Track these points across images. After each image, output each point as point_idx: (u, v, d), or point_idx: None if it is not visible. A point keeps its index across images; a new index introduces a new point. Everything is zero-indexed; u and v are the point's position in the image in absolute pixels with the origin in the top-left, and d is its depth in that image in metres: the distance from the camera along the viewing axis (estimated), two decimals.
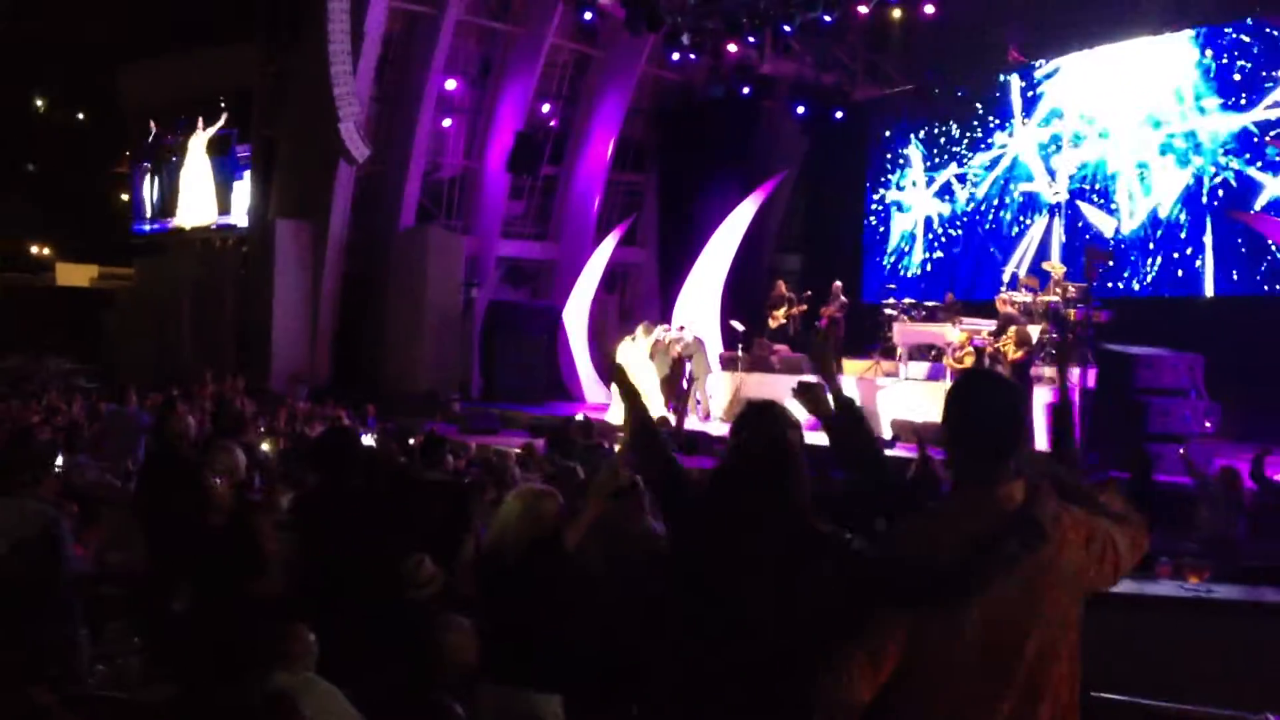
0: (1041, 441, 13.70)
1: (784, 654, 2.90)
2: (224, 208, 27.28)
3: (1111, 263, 17.94)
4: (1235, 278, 16.95)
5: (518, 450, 12.02)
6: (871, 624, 2.72)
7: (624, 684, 3.88)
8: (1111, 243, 18.48)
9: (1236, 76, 17.09)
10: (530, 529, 4.42)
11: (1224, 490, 9.23)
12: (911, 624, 2.67)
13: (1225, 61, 17.28)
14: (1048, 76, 19.89)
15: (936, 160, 21.87)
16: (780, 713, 2.94)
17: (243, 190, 26.45)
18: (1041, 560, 2.66)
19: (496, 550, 4.51)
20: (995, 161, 20.76)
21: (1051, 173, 19.69)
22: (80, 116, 35.55)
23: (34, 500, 5.41)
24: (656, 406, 17.67)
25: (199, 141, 27.82)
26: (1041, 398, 14.45)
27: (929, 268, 21.82)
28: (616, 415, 18.76)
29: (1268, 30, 16.61)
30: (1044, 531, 2.65)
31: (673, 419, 16.34)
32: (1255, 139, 16.76)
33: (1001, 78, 20.61)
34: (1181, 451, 11.23)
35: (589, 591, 4.36)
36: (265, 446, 6.31)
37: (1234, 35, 17.20)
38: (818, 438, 3.77)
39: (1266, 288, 16.57)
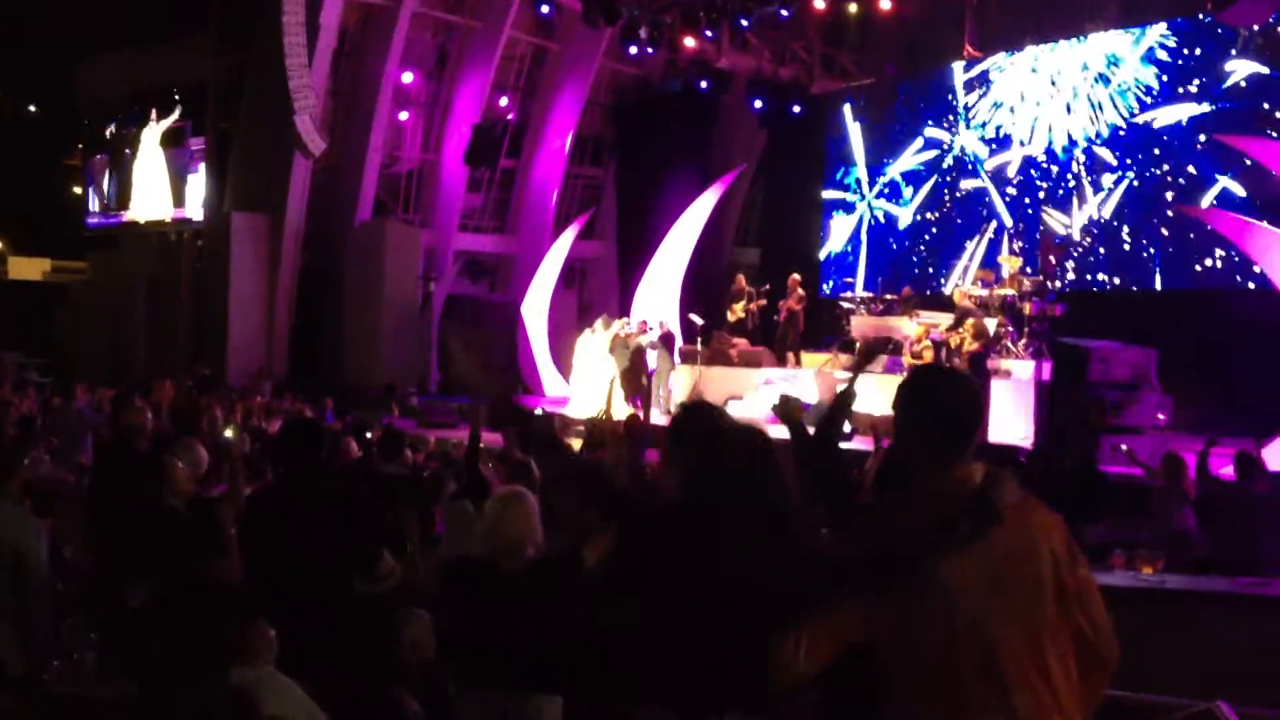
0: (994, 434, 13.83)
1: (757, 639, 2.92)
2: (179, 201, 26.98)
3: (1068, 259, 18.14)
4: (1185, 272, 17.16)
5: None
6: (826, 602, 2.75)
7: (614, 681, 3.86)
8: (1064, 237, 18.67)
9: (1185, 72, 17.31)
10: (525, 533, 4.35)
11: (1169, 480, 9.33)
12: (869, 605, 2.70)
13: (1171, 57, 17.50)
14: (999, 70, 20.04)
15: (891, 154, 21.98)
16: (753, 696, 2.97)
17: (197, 184, 26.18)
18: (1008, 547, 2.67)
19: (488, 556, 4.42)
20: (947, 156, 20.90)
21: (1002, 168, 19.85)
22: (33, 109, 35.06)
23: (7, 500, 5.39)
24: (617, 401, 17.74)
25: (153, 134, 27.48)
26: (999, 390, 14.59)
27: (886, 261, 21.94)
28: (576, 409, 18.78)
29: (1216, 28, 16.83)
30: (998, 513, 2.66)
31: (639, 413, 16.33)
32: (1201, 136, 16.97)
33: (955, 71, 20.76)
34: (1124, 447, 11.34)
35: (586, 592, 4.32)
36: (229, 433, 6.26)
37: (1181, 31, 17.42)
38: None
39: (1216, 281, 16.79)
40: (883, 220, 22.02)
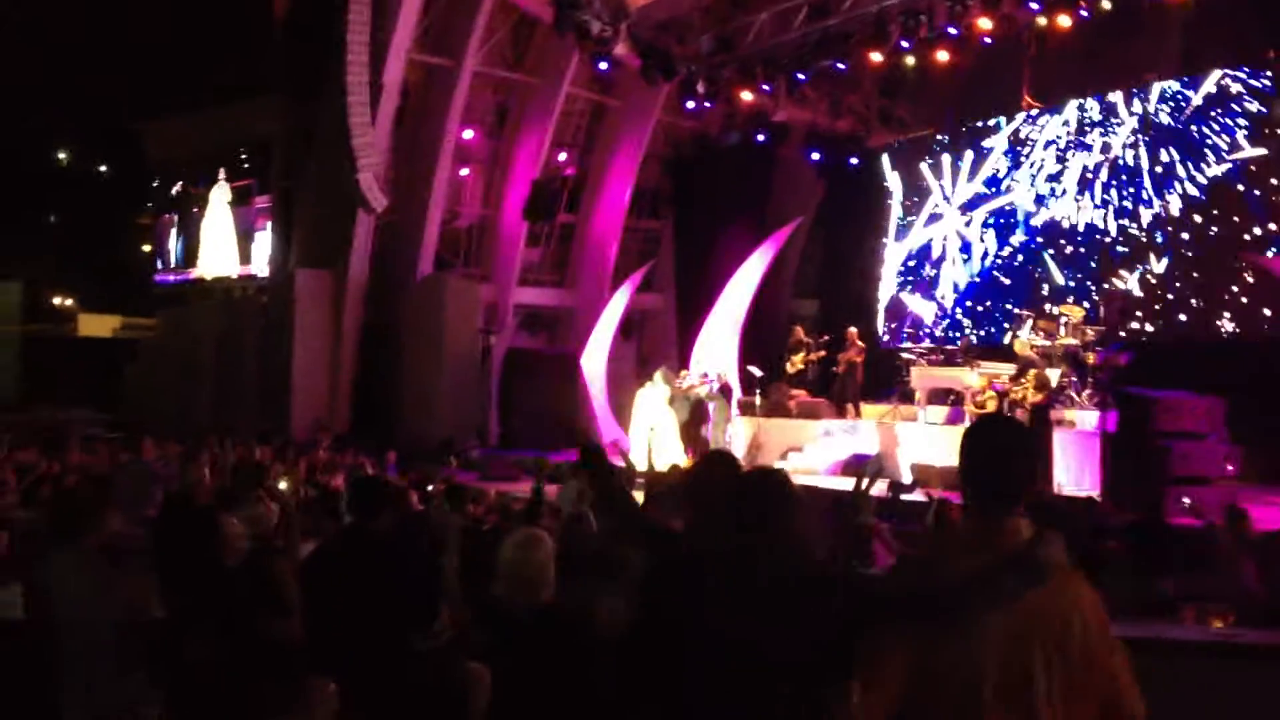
0: (1063, 485, 13.64)
1: (794, 688, 2.90)
2: (245, 259, 27.50)
3: (1132, 309, 17.95)
4: (1254, 320, 16.89)
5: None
6: (870, 651, 2.75)
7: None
8: (1126, 289, 18.47)
9: (1248, 119, 17.14)
10: (541, 577, 4.38)
11: (1231, 532, 9.13)
12: (911, 653, 2.69)
13: (1233, 105, 17.33)
14: (1056, 121, 19.94)
15: (949, 205, 21.91)
16: None
17: (263, 241, 26.67)
18: (1041, 609, 2.66)
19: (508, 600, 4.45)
20: (1006, 206, 20.79)
21: (1057, 220, 19.71)
22: (103, 168, 35.93)
23: (77, 556, 5.49)
24: (675, 452, 17.68)
25: (220, 193, 28.09)
26: (1063, 441, 14.40)
27: (947, 311, 21.80)
28: (635, 460, 18.74)
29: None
30: (1043, 574, 2.65)
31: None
32: (1273, 180, 16.75)
33: (1013, 123, 20.70)
34: (1186, 500, 11.12)
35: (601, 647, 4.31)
36: (283, 485, 6.33)
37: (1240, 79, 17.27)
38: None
39: None
40: (950, 270, 21.89)
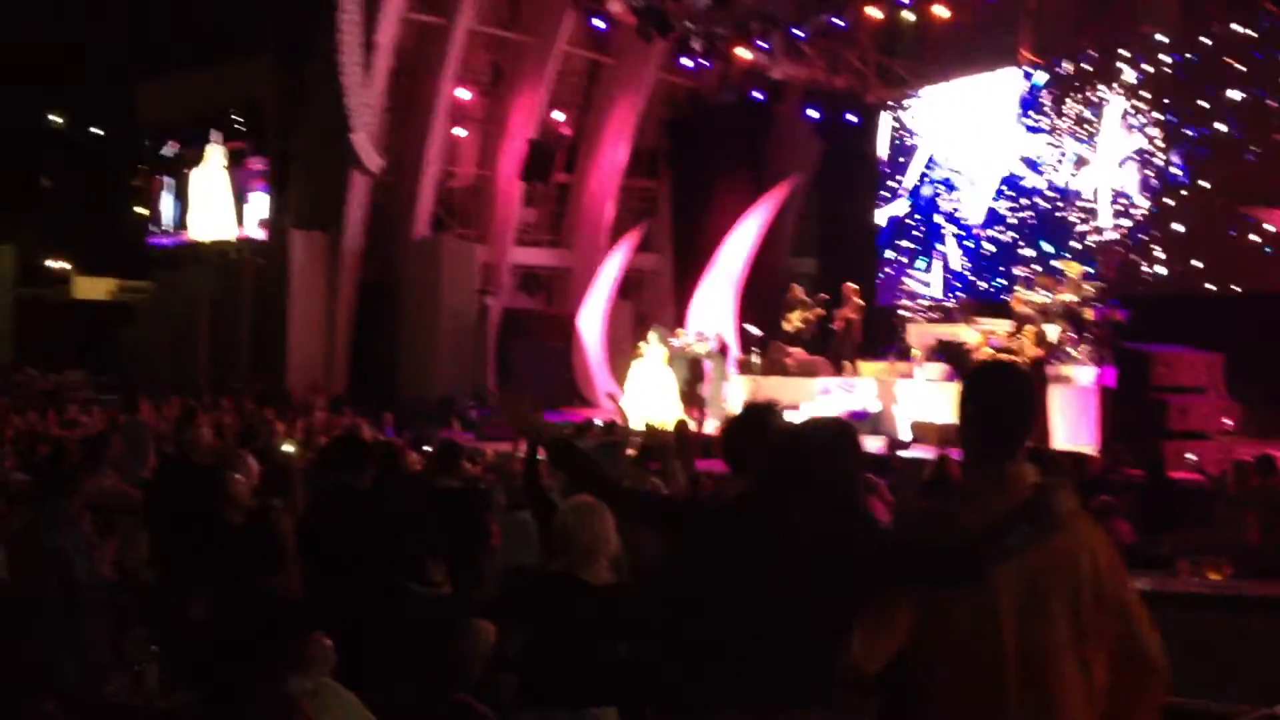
0: (1060, 441, 13.64)
1: (821, 634, 2.86)
2: (240, 220, 27.36)
3: (1131, 264, 17.89)
4: (1253, 275, 16.82)
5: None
6: (880, 596, 2.74)
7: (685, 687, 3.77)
8: (1126, 242, 18.39)
9: (1251, 70, 17.00)
10: (603, 544, 4.30)
11: (1237, 487, 9.14)
12: (921, 601, 2.68)
13: (1233, 57, 17.19)
14: (1057, 75, 19.81)
15: (947, 161, 21.80)
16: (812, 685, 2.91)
17: (258, 203, 26.53)
18: (1052, 555, 2.64)
19: (564, 569, 4.27)
20: (1002, 161, 20.67)
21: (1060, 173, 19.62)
22: (96, 130, 35.70)
23: (62, 515, 5.47)
24: (675, 410, 17.68)
25: (214, 155, 27.91)
26: (1061, 396, 14.39)
27: (945, 269, 21.72)
28: (633, 420, 18.75)
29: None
30: (1060, 521, 2.61)
31: (693, 424, 16.29)
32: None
33: (1012, 77, 20.55)
34: (1191, 456, 11.14)
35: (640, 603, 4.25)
36: (287, 447, 6.35)
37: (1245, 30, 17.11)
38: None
39: None
40: (947, 226, 21.79)
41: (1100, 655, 2.68)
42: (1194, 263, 17.58)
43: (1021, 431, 2.83)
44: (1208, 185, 17.50)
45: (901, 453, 14.26)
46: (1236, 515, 8.92)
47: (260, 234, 26.16)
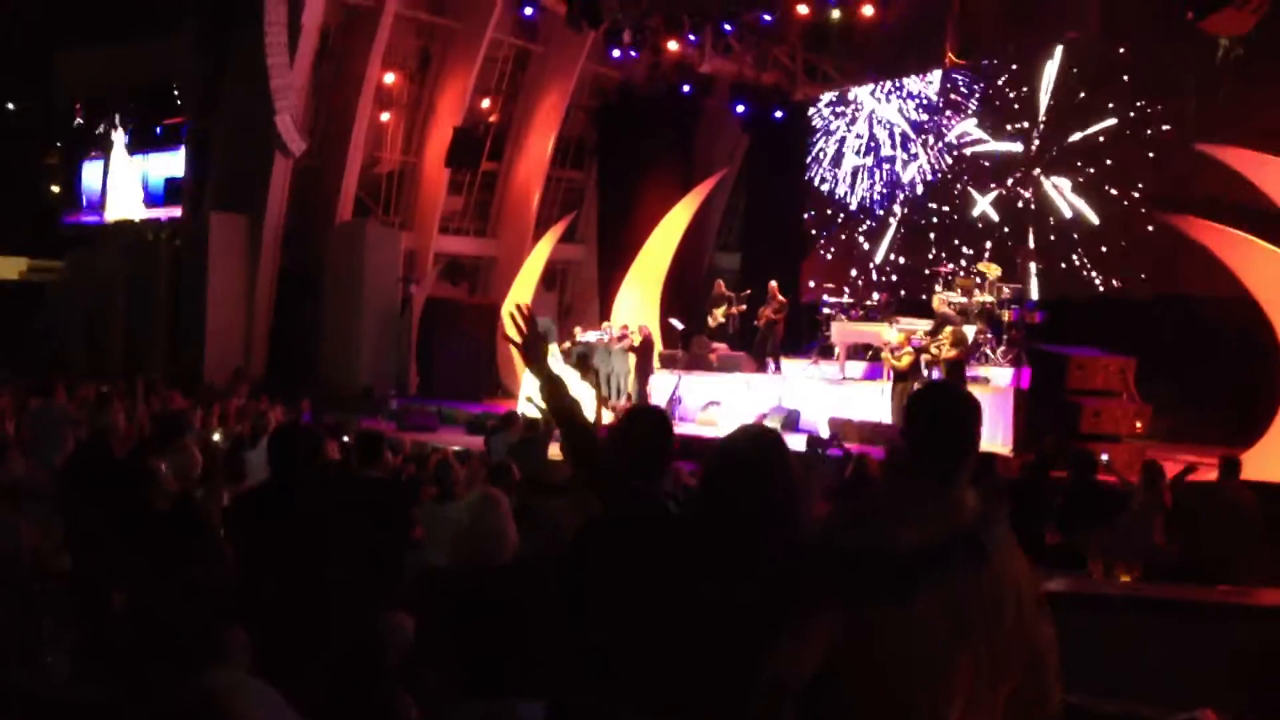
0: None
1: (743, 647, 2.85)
2: (157, 200, 26.86)
3: (1046, 267, 18.19)
4: (1164, 280, 17.17)
5: (456, 448, 11.95)
6: (804, 608, 2.71)
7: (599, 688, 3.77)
8: (1041, 245, 18.72)
9: (1168, 81, 17.35)
10: (502, 536, 4.31)
11: (1147, 489, 9.33)
12: (846, 613, 2.68)
13: (1149, 66, 17.54)
14: (982, 76, 20.11)
15: (871, 159, 22.02)
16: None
17: (175, 183, 26.07)
18: (978, 586, 2.67)
19: (472, 563, 4.36)
20: (927, 160, 20.94)
21: (982, 176, 19.92)
22: (9, 105, 34.78)
23: None
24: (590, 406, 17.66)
25: (133, 131, 27.38)
26: (977, 397, 14.58)
27: (868, 268, 21.95)
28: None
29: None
30: (988, 555, 2.67)
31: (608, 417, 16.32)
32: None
33: (936, 79, 20.82)
34: (1104, 456, 11.35)
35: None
36: (217, 437, 6.27)
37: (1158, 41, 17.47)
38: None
39: (1194, 289, 16.79)
40: (871, 224, 22.00)
41: (1005, 687, 2.72)
42: (1109, 266, 17.94)
43: (970, 458, 2.84)
44: (1115, 191, 17.86)
45: (821, 450, 14.40)
46: (1147, 516, 9.12)
47: (179, 214, 25.68)
